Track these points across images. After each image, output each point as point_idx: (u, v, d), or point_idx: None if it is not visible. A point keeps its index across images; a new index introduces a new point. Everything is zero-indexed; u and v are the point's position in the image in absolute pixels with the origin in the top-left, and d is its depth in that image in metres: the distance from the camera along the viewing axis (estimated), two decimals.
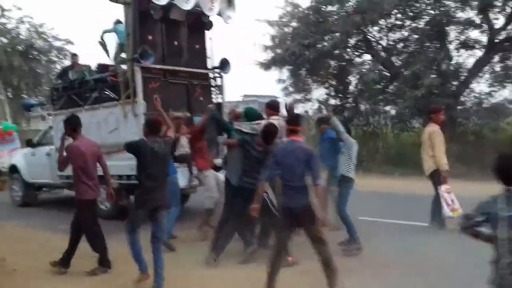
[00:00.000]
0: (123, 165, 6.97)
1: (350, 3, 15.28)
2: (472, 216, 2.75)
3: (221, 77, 8.84)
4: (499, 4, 13.44)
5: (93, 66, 9.42)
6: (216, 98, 8.93)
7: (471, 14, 14.27)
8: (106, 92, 8.42)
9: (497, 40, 14.02)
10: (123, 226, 4.94)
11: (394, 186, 9.78)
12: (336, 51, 15.93)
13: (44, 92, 21.76)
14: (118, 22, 8.75)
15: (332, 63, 17.24)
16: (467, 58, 14.87)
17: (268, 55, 17.17)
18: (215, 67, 8.79)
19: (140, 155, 4.52)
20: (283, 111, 6.23)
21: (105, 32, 9.24)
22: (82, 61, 9.95)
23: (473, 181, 11.20)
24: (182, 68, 8.22)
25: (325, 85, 17.77)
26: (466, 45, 14.59)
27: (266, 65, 16.98)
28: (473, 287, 4.16)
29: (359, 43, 16.51)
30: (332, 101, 17.42)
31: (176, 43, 8.25)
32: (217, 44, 9.30)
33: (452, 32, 14.74)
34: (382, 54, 16.29)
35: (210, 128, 6.93)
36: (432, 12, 14.61)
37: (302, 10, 16.67)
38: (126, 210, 6.27)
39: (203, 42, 8.72)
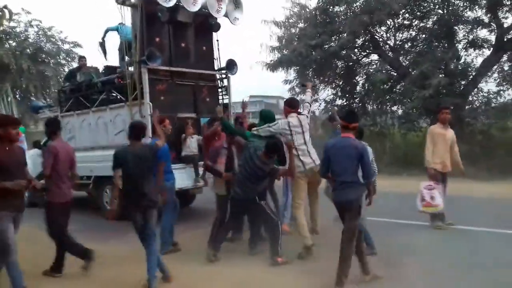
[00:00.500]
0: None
1: (357, 3, 15.25)
2: None
3: (227, 78, 8.85)
4: (507, 3, 13.35)
5: (101, 68, 9.48)
6: (222, 99, 8.94)
7: (479, 13, 14.21)
8: (113, 94, 8.47)
9: (505, 39, 13.91)
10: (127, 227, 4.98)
11: (402, 186, 9.71)
12: (343, 52, 15.89)
13: (52, 94, 21.97)
14: (121, 24, 8.80)
15: (339, 63, 17.21)
16: (476, 58, 14.81)
17: (275, 56, 17.19)
18: (222, 68, 8.80)
19: (123, 162, 4.59)
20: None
21: (107, 30, 9.29)
22: (89, 63, 10.01)
23: (481, 181, 11.14)
24: (189, 70, 8.23)
25: (332, 86, 17.73)
26: (475, 44, 14.49)
27: (273, 66, 16.98)
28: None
29: (367, 43, 16.46)
30: (339, 102, 17.39)
31: (183, 45, 8.27)
32: (223, 45, 9.30)
33: (461, 32, 14.68)
34: (390, 54, 16.23)
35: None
36: (440, 11, 14.55)
37: (309, 10, 16.67)
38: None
39: (210, 44, 8.73)
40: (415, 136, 15.04)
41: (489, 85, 14.76)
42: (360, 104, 16.99)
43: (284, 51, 16.94)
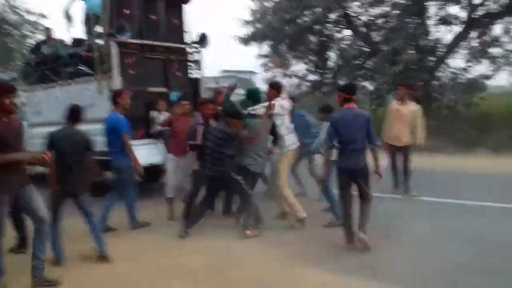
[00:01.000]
0: None
1: None
2: None
3: (199, 52, 8.73)
4: None
5: (68, 40, 9.21)
6: (194, 73, 8.85)
7: None
8: (81, 68, 8.26)
9: (475, 16, 14.12)
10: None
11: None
12: (317, 26, 15.84)
13: (17, 67, 21.20)
14: None
15: (313, 38, 17.16)
16: (446, 34, 15.02)
17: (249, 29, 17.00)
18: (193, 42, 8.67)
19: (55, 144, 4.49)
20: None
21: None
22: (56, 35, 9.68)
23: (448, 154, 11.54)
24: (159, 43, 8.09)
25: (305, 61, 17.73)
26: (445, 20, 14.65)
27: (246, 40, 16.81)
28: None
29: (340, 19, 16.43)
30: (312, 77, 17.42)
31: (153, 17, 8.10)
32: (195, 18, 9.16)
33: (432, 8, 14.78)
34: (363, 29, 16.27)
35: None
36: None
37: None
38: (102, 187, 6.22)
39: (181, 17, 8.58)
40: (385, 112, 15.26)
41: (456, 61, 15.04)
42: (332, 80, 17.08)
43: (258, 25, 16.76)
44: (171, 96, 8.16)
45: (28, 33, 24.10)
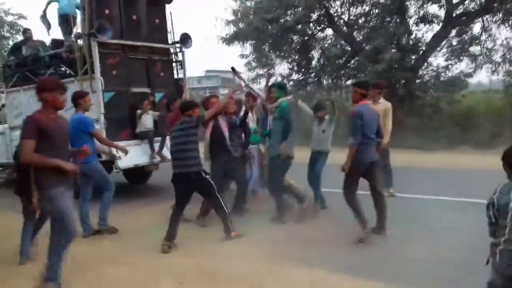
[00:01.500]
0: None
1: None
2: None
3: (182, 52, 8.67)
4: None
5: (48, 41, 9.07)
6: (177, 74, 8.79)
7: None
8: (62, 69, 8.13)
9: (454, 15, 14.35)
10: None
11: None
12: (299, 26, 15.90)
13: None
14: None
15: (295, 38, 17.22)
16: (426, 33, 15.23)
17: (231, 29, 16.96)
18: (176, 42, 8.61)
19: None
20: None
21: (49, 2, 8.86)
22: (35, 36, 9.53)
23: (430, 152, 11.69)
24: (141, 43, 8.00)
25: (288, 60, 17.77)
26: (425, 19, 14.86)
27: (229, 40, 16.77)
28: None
29: (322, 18, 16.52)
30: (295, 76, 17.47)
31: (134, 17, 7.99)
32: (177, 18, 9.07)
33: (412, 7, 14.98)
34: (344, 29, 16.39)
35: None
36: None
37: None
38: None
39: (163, 17, 8.49)
40: None
41: (438, 60, 15.28)
42: (315, 79, 17.16)
43: (240, 24, 16.74)
44: (156, 96, 8.13)
45: (6, 34, 23.71)
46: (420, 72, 15.06)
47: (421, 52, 14.78)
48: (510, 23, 14.17)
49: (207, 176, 5.08)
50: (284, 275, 4.15)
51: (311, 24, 16.64)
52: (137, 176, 9.11)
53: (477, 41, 14.71)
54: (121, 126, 7.61)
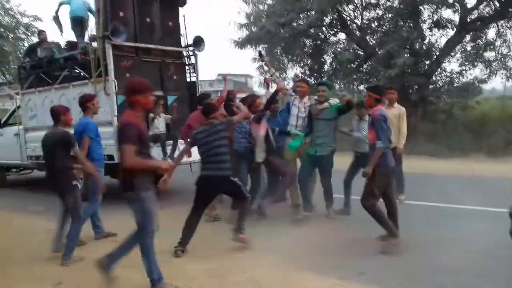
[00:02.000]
0: None
1: None
2: None
3: (195, 55, 8.70)
4: None
5: (63, 43, 9.15)
6: (190, 77, 8.82)
7: None
8: (76, 71, 8.20)
9: (468, 20, 14.21)
10: None
11: None
12: (312, 30, 15.88)
13: (12, 71, 21.05)
14: None
15: (308, 42, 17.20)
16: (440, 38, 15.10)
17: (243, 33, 17.00)
18: (189, 45, 8.64)
19: (42, 146, 4.83)
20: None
21: (61, 4, 9.00)
22: (50, 38, 9.63)
23: (443, 158, 11.56)
24: (155, 46, 8.04)
25: (300, 64, 17.76)
26: (439, 24, 14.74)
27: (241, 44, 16.81)
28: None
29: (334, 22, 16.48)
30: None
31: (148, 20, 8.04)
32: (191, 21, 9.11)
33: (426, 11, 14.87)
34: (357, 33, 16.33)
35: None
36: None
37: None
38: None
39: (177, 20, 8.53)
40: None
41: (452, 65, 15.14)
42: None
43: (253, 28, 16.77)
44: (169, 99, 8.17)
45: (22, 35, 23.97)
46: (434, 78, 14.92)
47: (435, 57, 14.65)
48: None
49: (236, 179, 5.11)
50: (293, 281, 4.12)
51: (323, 28, 16.62)
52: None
53: (491, 47, 14.56)
54: None
